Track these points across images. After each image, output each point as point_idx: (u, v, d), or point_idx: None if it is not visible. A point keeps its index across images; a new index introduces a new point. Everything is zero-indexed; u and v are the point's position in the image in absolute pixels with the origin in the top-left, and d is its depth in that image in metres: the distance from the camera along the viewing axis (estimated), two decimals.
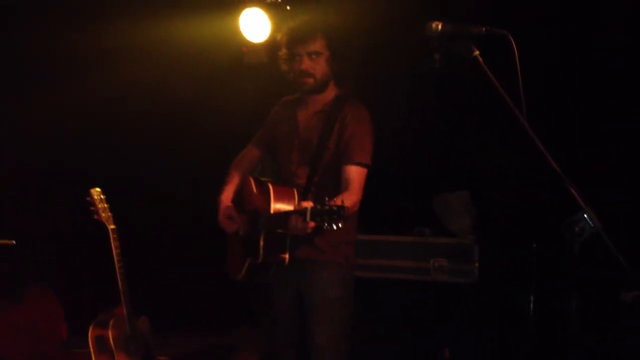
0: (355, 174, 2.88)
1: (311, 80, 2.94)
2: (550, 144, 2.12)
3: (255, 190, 3.10)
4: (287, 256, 2.87)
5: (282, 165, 3.10)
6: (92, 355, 3.45)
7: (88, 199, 3.44)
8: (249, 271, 3.01)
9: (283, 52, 3.01)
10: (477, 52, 2.18)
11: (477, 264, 3.87)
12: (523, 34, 2.27)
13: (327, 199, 2.51)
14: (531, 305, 3.67)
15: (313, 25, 2.98)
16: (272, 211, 2.84)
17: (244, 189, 3.18)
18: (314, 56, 2.92)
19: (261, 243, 2.87)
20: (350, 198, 2.78)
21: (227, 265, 3.23)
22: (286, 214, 2.74)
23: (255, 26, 4.42)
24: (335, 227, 2.47)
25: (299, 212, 2.57)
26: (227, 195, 3.18)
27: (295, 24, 3.02)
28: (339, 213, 2.46)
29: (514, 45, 2.17)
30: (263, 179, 3.18)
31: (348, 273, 3.03)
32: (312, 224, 2.54)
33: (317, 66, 2.93)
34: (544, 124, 2.50)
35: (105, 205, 3.46)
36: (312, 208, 2.50)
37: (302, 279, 3.00)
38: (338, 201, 2.49)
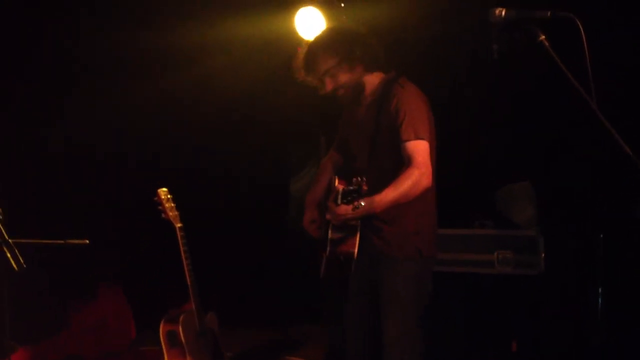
0: (411, 149, 2.82)
1: (342, 91, 3.01)
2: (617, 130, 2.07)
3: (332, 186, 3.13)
4: (355, 250, 2.84)
5: (350, 163, 3.12)
6: (164, 349, 3.53)
7: (156, 198, 3.52)
8: (327, 268, 2.98)
9: (312, 85, 3.08)
10: (542, 37, 2.14)
11: (543, 255, 3.81)
12: (589, 16, 2.23)
13: (354, 179, 2.53)
14: (600, 297, 3.58)
15: (310, 51, 3.02)
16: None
17: (330, 189, 3.19)
18: (330, 73, 2.97)
19: (329, 235, 2.86)
20: (411, 174, 2.77)
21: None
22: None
23: (310, 25, 4.46)
24: (358, 204, 2.51)
25: (334, 196, 2.59)
26: (310, 198, 3.21)
27: (297, 62, 3.07)
28: (357, 191, 2.48)
29: (581, 28, 2.13)
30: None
31: (421, 268, 2.96)
32: (343, 207, 2.57)
33: (338, 78, 2.97)
34: (611, 109, 2.45)
35: (172, 205, 3.53)
36: (342, 189, 2.52)
37: (374, 275, 2.98)
38: (360, 180, 2.51)
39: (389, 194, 2.73)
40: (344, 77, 2.97)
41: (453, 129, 4.16)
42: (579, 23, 2.13)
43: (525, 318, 3.81)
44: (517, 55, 2.22)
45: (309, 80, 3.07)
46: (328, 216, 2.72)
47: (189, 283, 3.51)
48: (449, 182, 4.06)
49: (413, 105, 2.90)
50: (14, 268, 1.99)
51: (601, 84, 2.12)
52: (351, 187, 2.51)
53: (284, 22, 4.49)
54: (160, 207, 3.51)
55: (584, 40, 2.11)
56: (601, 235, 3.61)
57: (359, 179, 2.51)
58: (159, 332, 3.54)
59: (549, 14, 2.15)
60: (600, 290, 3.58)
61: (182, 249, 3.50)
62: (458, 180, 4.21)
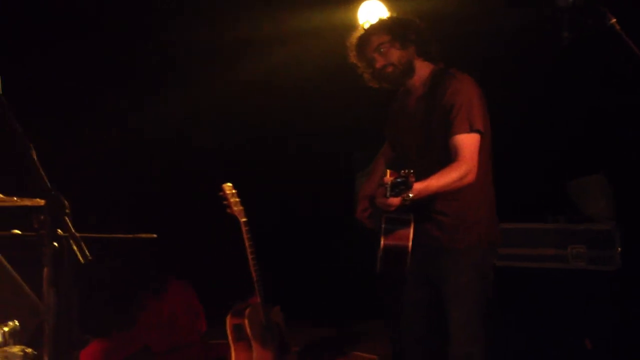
0: (460, 142, 2.79)
1: (391, 68, 2.99)
2: None
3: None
4: (409, 243, 2.80)
5: (401, 157, 3.09)
6: (231, 342, 3.56)
7: (221, 193, 3.55)
8: (382, 263, 2.91)
9: (363, 68, 3.08)
10: (614, 20, 2.04)
11: (619, 250, 3.66)
12: None
13: (402, 171, 2.50)
14: None
15: (365, 31, 3.08)
16: None
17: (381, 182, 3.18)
18: (381, 50, 2.98)
19: (382, 226, 2.83)
20: (459, 168, 2.74)
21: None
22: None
23: (374, 19, 4.42)
24: (406, 196, 2.50)
25: (383, 186, 2.57)
26: (364, 190, 3.23)
27: (351, 41, 3.11)
28: (405, 183, 2.45)
29: None
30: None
31: (482, 256, 2.92)
32: (392, 199, 2.55)
33: (388, 55, 2.98)
34: None
35: (237, 199, 3.56)
36: (391, 182, 2.49)
37: (433, 268, 2.95)
38: (407, 172, 2.48)
39: (432, 184, 2.71)
40: (395, 54, 2.97)
41: (525, 121, 4.07)
42: None
43: (601, 315, 3.68)
44: (586, 42, 2.12)
45: (360, 64, 3.07)
46: (379, 201, 2.70)
47: (254, 277, 3.54)
48: (522, 176, 3.99)
49: (468, 96, 2.85)
50: (80, 261, 2.03)
51: None
52: (399, 180, 2.49)
53: (347, 16, 4.48)
54: (225, 202, 3.54)
55: None
56: None
57: (407, 171, 2.49)
58: (225, 325, 3.58)
59: None
60: None
61: (247, 243, 3.53)
62: (531, 173, 4.11)
